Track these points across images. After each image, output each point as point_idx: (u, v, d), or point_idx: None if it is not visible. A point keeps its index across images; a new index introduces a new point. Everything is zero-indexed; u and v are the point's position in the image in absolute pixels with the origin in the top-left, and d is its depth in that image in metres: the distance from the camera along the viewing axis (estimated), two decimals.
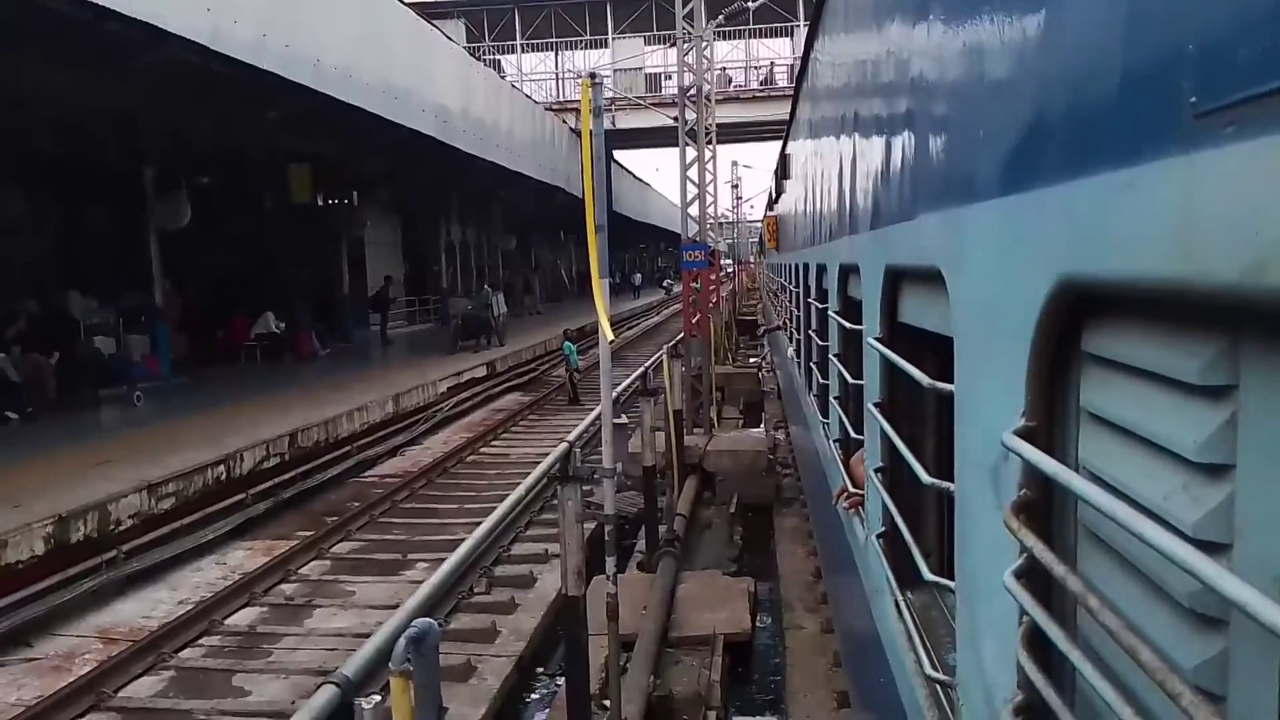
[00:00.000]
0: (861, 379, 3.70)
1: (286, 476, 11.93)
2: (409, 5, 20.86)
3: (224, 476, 10.99)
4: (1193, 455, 1.07)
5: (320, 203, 24.09)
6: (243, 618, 8.37)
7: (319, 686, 3.67)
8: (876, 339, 3.15)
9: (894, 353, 2.85)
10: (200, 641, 7.84)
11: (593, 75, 6.81)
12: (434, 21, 23.22)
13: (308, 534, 10.41)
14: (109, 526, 9.11)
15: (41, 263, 17.53)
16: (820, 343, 6.14)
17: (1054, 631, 1.27)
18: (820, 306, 6.30)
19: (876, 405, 3.17)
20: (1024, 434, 1.48)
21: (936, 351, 2.64)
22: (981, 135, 1.91)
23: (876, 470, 3.19)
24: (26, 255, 17.34)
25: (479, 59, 29.73)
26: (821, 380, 6.04)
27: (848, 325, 4.33)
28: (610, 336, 6.06)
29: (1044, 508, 1.47)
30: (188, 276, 19.47)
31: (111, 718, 6.62)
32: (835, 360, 4.83)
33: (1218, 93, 0.93)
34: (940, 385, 2.19)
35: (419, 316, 29.70)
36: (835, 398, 5.00)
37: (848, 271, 4.59)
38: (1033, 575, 1.39)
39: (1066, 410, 1.47)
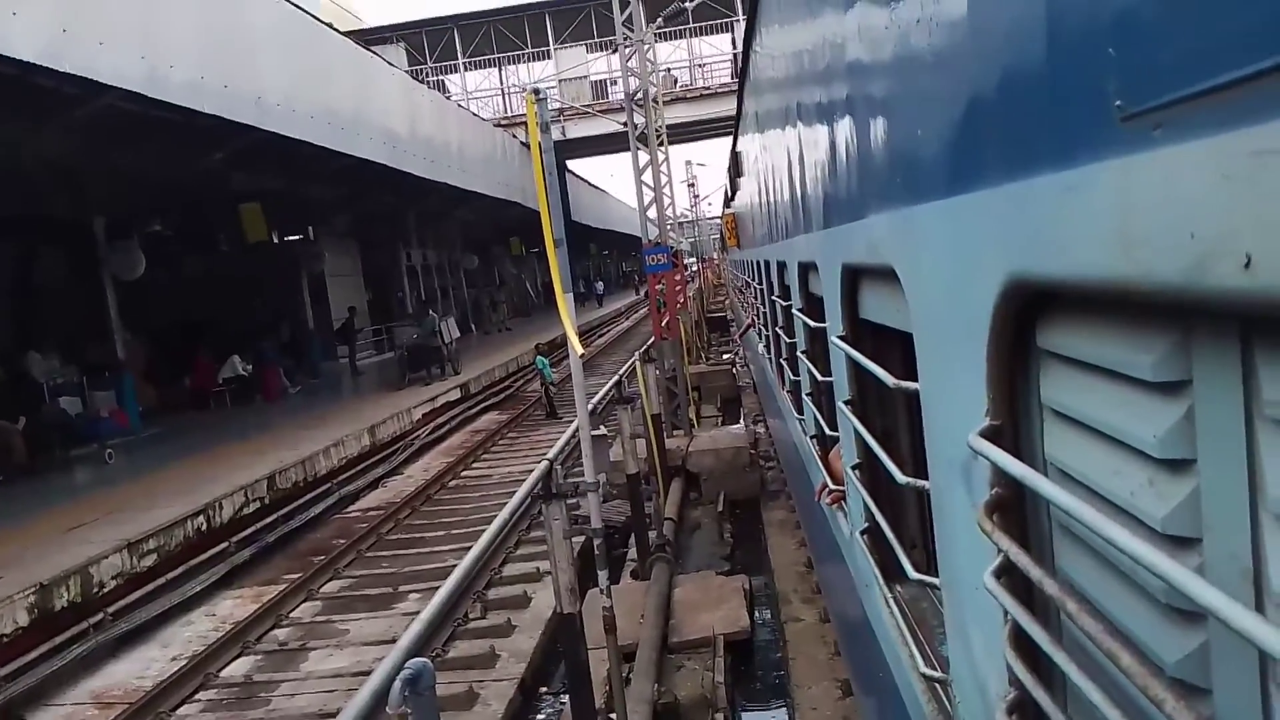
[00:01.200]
0: (830, 376, 3.71)
1: (268, 520, 11.79)
2: (347, 34, 20.75)
3: (204, 527, 10.85)
4: (1154, 451, 1.07)
5: (276, 239, 23.88)
6: (238, 668, 8.26)
7: None
8: (840, 337, 3.16)
9: (858, 351, 2.86)
10: (197, 697, 7.73)
11: (536, 90, 6.79)
12: (373, 48, 23.11)
13: (295, 576, 10.30)
14: (92, 590, 8.96)
15: None
16: (788, 340, 6.16)
17: (1037, 633, 1.28)
18: (784, 304, 6.32)
19: (847, 403, 3.18)
20: (989, 434, 1.49)
21: (901, 347, 2.65)
22: (925, 135, 1.92)
23: (854, 467, 3.20)
24: None
25: (423, 81, 29.62)
26: (793, 376, 6.06)
27: (811, 324, 4.34)
28: (580, 350, 6.04)
29: (1017, 507, 1.47)
30: (148, 325, 19.21)
31: None
32: (803, 358, 4.85)
33: (1141, 96, 0.94)
34: (905, 385, 2.20)
35: (387, 345, 29.48)
36: (807, 394, 5.01)
37: (806, 269, 4.61)
38: (1012, 575, 1.40)
39: (1029, 407, 1.48)
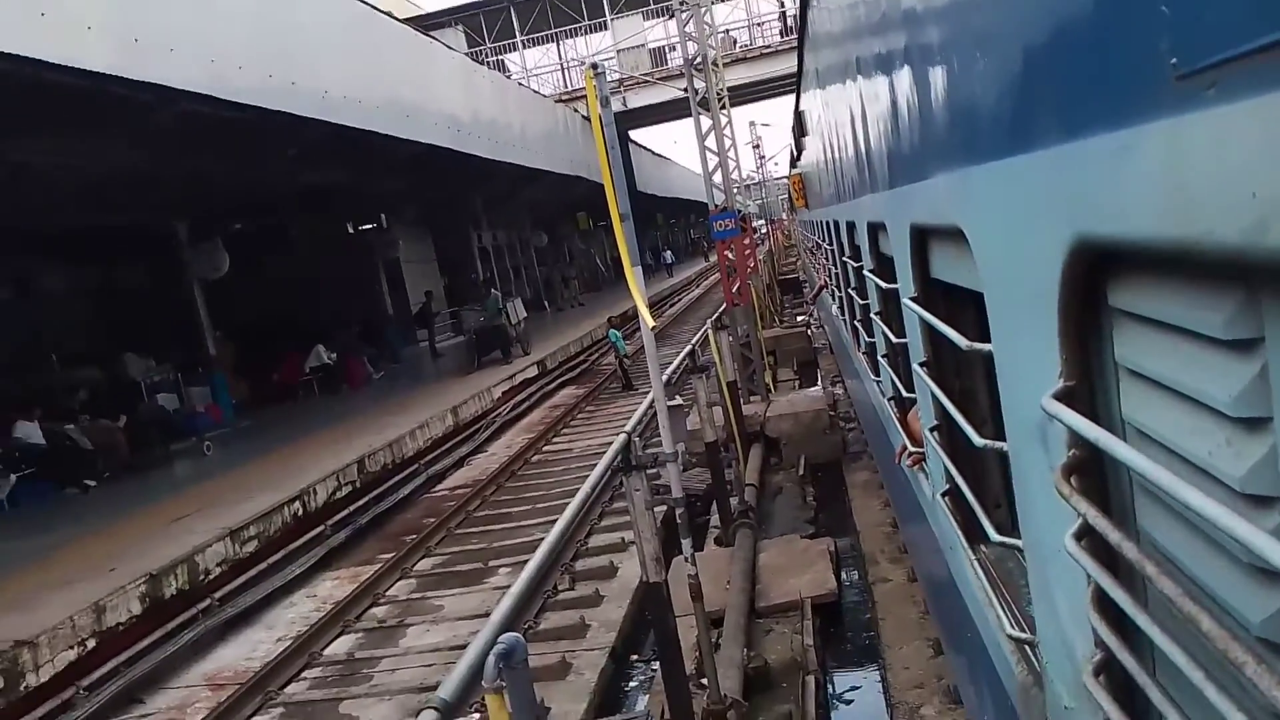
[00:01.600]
0: (904, 337, 3.67)
1: (361, 503, 12.18)
2: (405, 20, 20.98)
3: (300, 512, 11.26)
4: (1230, 410, 1.06)
5: (351, 230, 24.41)
6: (340, 646, 8.60)
7: (419, 710, 3.77)
8: (912, 299, 3.12)
9: (931, 312, 2.83)
10: (303, 675, 8.08)
11: (595, 65, 6.80)
12: (432, 33, 23.30)
13: (389, 556, 10.64)
14: (199, 577, 9.41)
15: (95, 330, 18.07)
16: (861, 301, 6.09)
17: (1120, 596, 1.27)
18: (855, 265, 6.24)
19: (922, 365, 3.15)
20: (1063, 395, 1.47)
21: (974, 307, 2.61)
22: (984, 93, 1.89)
23: (932, 429, 3.17)
24: (79, 324, 17.88)
25: (482, 62, 29.79)
26: (868, 338, 6.00)
27: (883, 285, 4.29)
28: (651, 322, 6.08)
29: (1094, 469, 1.46)
30: (235, 322, 19.91)
31: None
32: (877, 319, 4.80)
33: (1196, 55, 0.92)
34: (978, 346, 2.18)
35: (460, 328, 30.03)
36: (883, 356, 4.96)
37: (875, 229, 4.55)
38: (1092, 537, 1.39)
39: (1103, 368, 1.46)
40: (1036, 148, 1.52)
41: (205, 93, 11.12)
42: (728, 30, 32.71)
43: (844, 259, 7.56)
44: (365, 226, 24.78)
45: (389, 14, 18.84)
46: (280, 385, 20.65)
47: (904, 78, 2.90)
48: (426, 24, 29.69)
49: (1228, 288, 1.03)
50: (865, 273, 5.20)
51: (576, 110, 30.73)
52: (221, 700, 7.52)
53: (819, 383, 16.41)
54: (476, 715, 3.38)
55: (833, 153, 7.73)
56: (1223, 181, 0.90)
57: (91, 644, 8.04)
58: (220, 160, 14.70)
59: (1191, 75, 0.93)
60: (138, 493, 12.97)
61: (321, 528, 11.21)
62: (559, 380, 21.21)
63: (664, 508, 8.06)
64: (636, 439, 7.47)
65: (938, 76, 2.36)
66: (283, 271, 21.93)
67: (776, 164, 63.54)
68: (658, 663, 6.52)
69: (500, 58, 36.69)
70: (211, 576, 9.56)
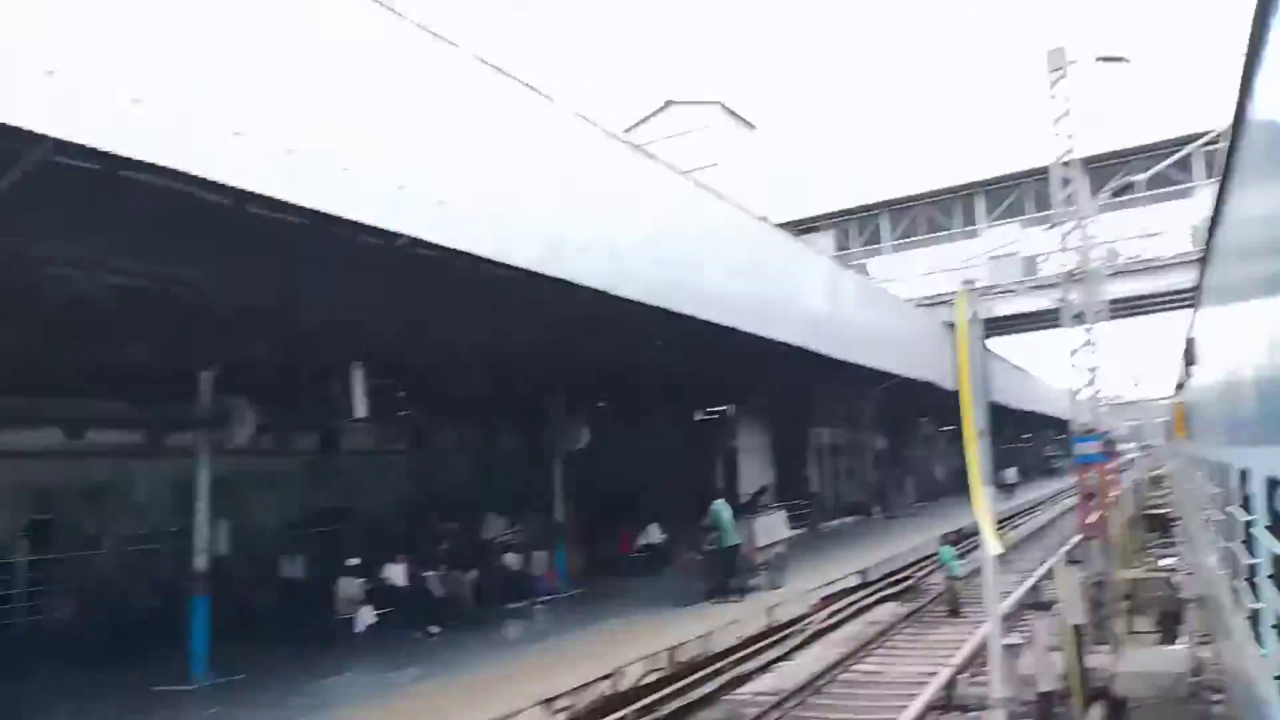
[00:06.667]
0: None
1: (666, 692, 12.07)
2: (781, 224, 22.28)
3: (608, 692, 11.43)
4: None
5: (697, 415, 25.53)
6: None
7: None
8: None
9: None
10: None
11: (967, 282, 6.70)
12: (804, 236, 24.40)
13: None
14: None
15: (468, 487, 20.27)
16: (1248, 559, 5.15)
17: None
18: (1245, 518, 5.33)
19: None
20: None
21: None
22: None
23: None
24: (457, 481, 20.14)
25: (848, 264, 30.63)
26: (1253, 603, 5.02)
27: (1277, 549, 3.58)
28: (998, 548, 5.63)
29: None
30: (582, 493, 21.27)
31: None
32: (1269, 583, 4.00)
33: None
34: None
35: (790, 522, 29.69)
36: (1272, 626, 4.10)
37: (1275, 484, 3.85)
38: None
39: None
40: None
41: (602, 289, 12.30)
42: (1112, 242, 30.94)
43: (1229, 508, 6.50)
44: (710, 412, 25.75)
45: (764, 219, 20.21)
46: (609, 559, 21.54)
47: None
48: (800, 228, 31.29)
49: None
50: (1259, 529, 4.40)
51: (936, 315, 30.33)
52: None
53: (1183, 640, 13.99)
54: None
55: (1229, 388, 6.81)
56: None
57: None
58: (599, 346, 16.12)
59: None
60: (473, 647, 13.88)
61: (624, 711, 11.17)
62: (879, 595, 19.99)
63: None
64: (962, 676, 6.74)
65: None
66: (630, 450, 23.25)
67: (1157, 385, 57.76)
68: None
69: (864, 261, 37.58)
70: None
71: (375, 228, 8.85)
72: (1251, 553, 5.19)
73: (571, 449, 19.39)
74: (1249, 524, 5.03)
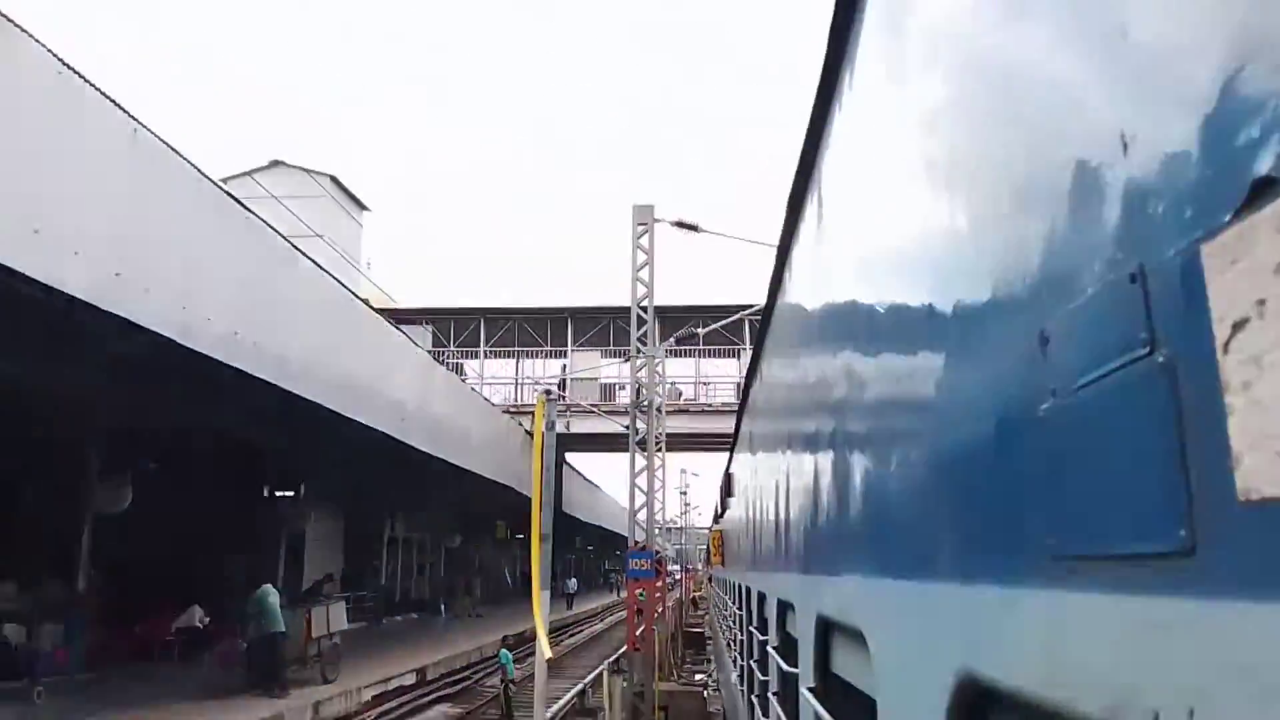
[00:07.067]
0: None
1: None
2: (380, 311, 22.07)
3: None
4: None
5: (266, 493, 23.82)
6: None
7: None
8: (810, 689, 3.12)
9: (825, 708, 2.82)
10: None
11: (549, 391, 7.17)
12: (402, 327, 24.39)
13: None
14: None
15: None
16: (761, 677, 6.00)
17: None
18: (761, 638, 6.23)
19: None
20: None
21: (869, 712, 2.62)
22: (895, 512, 2.06)
23: None
24: None
25: (442, 362, 30.97)
26: (762, 718, 5.84)
27: (785, 666, 4.28)
28: (548, 653, 5.93)
29: None
30: (117, 563, 18.69)
31: None
32: (774, 700, 4.72)
33: (1068, 543, 1.07)
34: None
35: (353, 615, 28.48)
36: None
37: (785, 607, 4.61)
38: None
39: None
40: (937, 579, 1.65)
41: (170, 336, 11.28)
42: (675, 383, 34.75)
43: (750, 628, 7.53)
44: (279, 493, 24.24)
45: (366, 301, 19.87)
46: (140, 640, 18.95)
47: (827, 472, 3.12)
48: (399, 317, 31.13)
49: None
50: (769, 648, 5.18)
51: (520, 424, 31.57)
52: None
53: None
54: None
55: (754, 521, 7.97)
56: (1086, 660, 1.00)
57: None
58: (160, 397, 14.61)
59: (1064, 559, 1.07)
60: None
61: None
62: (434, 695, 19.79)
63: None
64: None
65: (860, 478, 2.55)
66: (184, 521, 21.00)
67: (700, 513, 64.65)
68: None
69: (460, 361, 38.25)
70: None
71: None
72: (762, 672, 6.06)
73: (109, 510, 16.96)
74: (763, 644, 5.89)
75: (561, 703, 14.91)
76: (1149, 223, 0.85)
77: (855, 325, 2.55)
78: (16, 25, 8.64)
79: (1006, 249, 1.30)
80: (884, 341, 2.20)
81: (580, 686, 12.57)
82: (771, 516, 5.75)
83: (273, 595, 16.02)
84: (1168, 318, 0.82)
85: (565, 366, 36.05)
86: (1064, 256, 1.08)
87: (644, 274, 18.55)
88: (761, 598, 6.40)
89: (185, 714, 13.31)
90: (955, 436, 1.56)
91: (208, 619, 19.61)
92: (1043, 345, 1.10)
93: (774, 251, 4.79)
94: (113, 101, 10.06)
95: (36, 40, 8.89)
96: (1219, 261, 0.72)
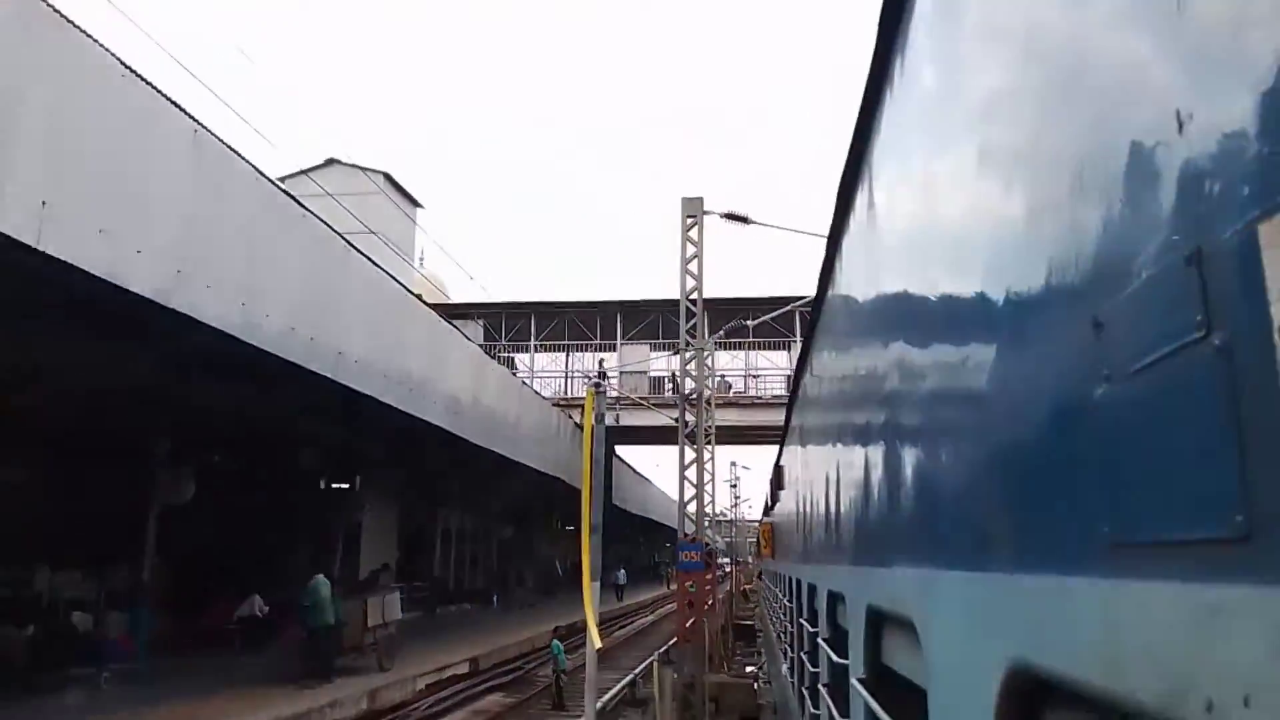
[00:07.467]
0: (848, 718, 3.59)
1: None
2: (433, 306, 22.36)
3: None
4: None
5: (323, 485, 24.29)
6: None
7: None
8: (860, 679, 3.11)
9: (877, 700, 2.81)
10: None
11: (598, 384, 7.20)
12: (455, 321, 24.68)
13: None
14: None
15: (24, 530, 17.41)
16: (811, 669, 5.98)
17: None
18: (811, 630, 6.20)
19: None
20: None
21: (919, 703, 2.61)
22: (945, 503, 2.04)
23: None
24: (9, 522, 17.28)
25: (494, 356, 31.29)
26: (813, 709, 5.82)
27: (835, 658, 4.26)
28: (598, 643, 5.97)
29: None
30: (181, 553, 19.21)
31: None
32: (824, 691, 4.70)
33: (1128, 531, 1.05)
34: None
35: (406, 605, 28.94)
36: None
37: (835, 599, 4.59)
38: None
39: None
40: (990, 568, 1.63)
41: (231, 333, 11.53)
42: (724, 375, 34.64)
43: (801, 620, 7.50)
44: (336, 485, 24.70)
45: (419, 296, 20.13)
46: (203, 628, 19.47)
47: (878, 463, 3.10)
48: (452, 312, 31.52)
49: None
50: (820, 640, 5.17)
51: (570, 417, 31.76)
52: None
53: None
54: None
55: (804, 513, 7.94)
56: (1139, 648, 0.99)
57: None
58: (223, 393, 14.97)
59: (1123, 546, 1.05)
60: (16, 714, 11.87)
61: None
62: (487, 684, 20.04)
63: None
64: None
65: (911, 468, 2.53)
66: (246, 513, 21.53)
67: (751, 506, 64.41)
68: None
69: (511, 355, 38.58)
70: None
71: None
72: (812, 664, 6.04)
73: (173, 501, 17.43)
74: (813, 635, 5.87)
75: (612, 693, 15.04)
76: (1205, 203, 0.83)
77: (906, 315, 2.53)
78: (82, 31, 8.91)
79: (1059, 233, 1.28)
80: (935, 331, 2.18)
81: (630, 677, 12.62)
82: (822, 508, 5.72)
83: (324, 587, 16.31)
84: (1224, 300, 0.80)
85: (601, 361, 36.16)
86: (1119, 240, 1.06)
87: (693, 266, 18.50)
88: (812, 589, 6.37)
89: (253, 699, 13.65)
90: (1008, 425, 1.54)
91: (267, 608, 20.07)
92: (1096, 331, 1.09)
93: (824, 243, 4.76)
94: (174, 104, 10.31)
95: (101, 45, 9.15)
96: (1277, 241, 0.71)
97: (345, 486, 24.72)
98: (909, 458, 2.50)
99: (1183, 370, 0.89)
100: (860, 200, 3.46)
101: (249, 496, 21.70)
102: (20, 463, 17.04)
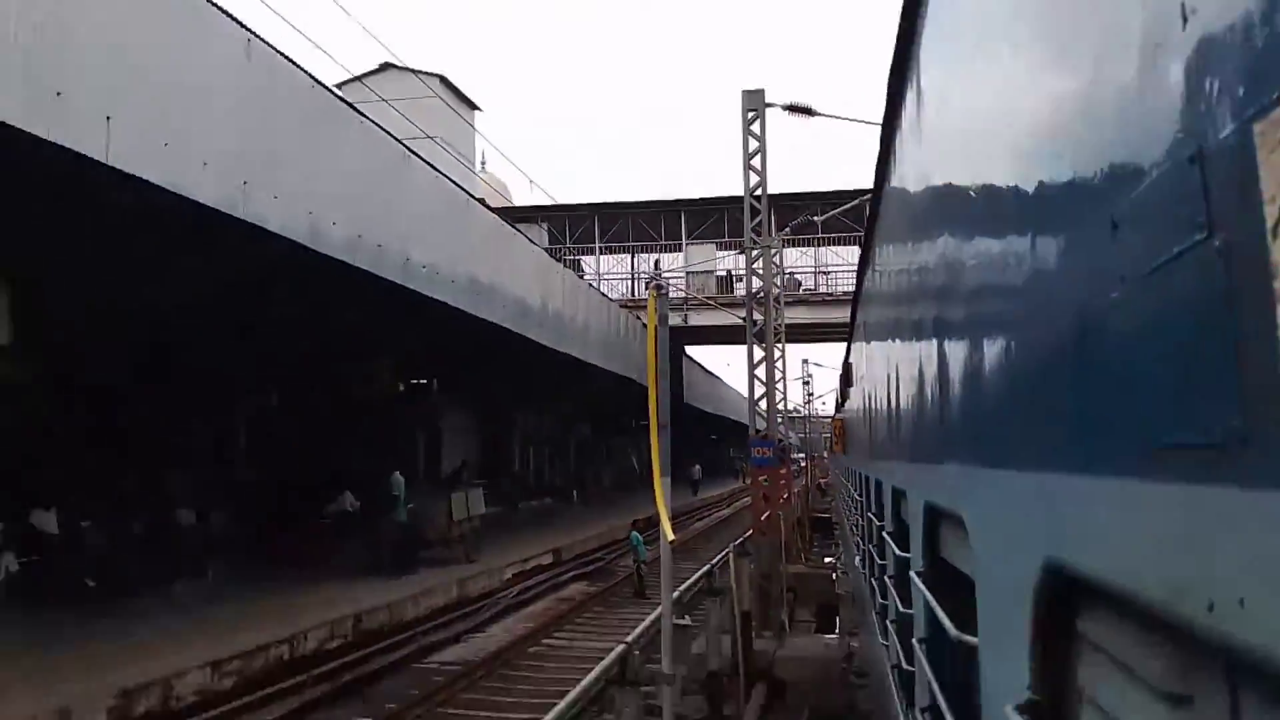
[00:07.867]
0: (911, 609, 3.67)
1: (349, 659, 11.88)
2: (496, 210, 22.40)
3: (286, 656, 11.03)
4: None
5: (402, 389, 25.00)
6: None
7: None
8: (919, 573, 3.16)
9: (933, 593, 2.86)
10: None
11: (659, 285, 7.21)
12: (519, 225, 24.72)
13: None
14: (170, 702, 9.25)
15: (139, 431, 18.35)
16: (879, 561, 6.08)
17: None
18: (878, 523, 6.27)
19: (920, 641, 3.14)
20: (1027, 708, 1.50)
21: (970, 594, 2.65)
22: (989, 403, 2.03)
23: (924, 709, 3.11)
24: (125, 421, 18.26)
25: (559, 259, 31.35)
26: (881, 600, 5.93)
27: (898, 552, 4.32)
28: (671, 536, 6.13)
29: None
30: (271, 455, 20.08)
31: None
32: (890, 583, 4.79)
33: (1139, 433, 1.04)
34: (965, 638, 2.21)
35: (489, 500, 29.98)
36: (891, 621, 4.91)
37: (899, 495, 4.62)
38: None
39: (1067, 692, 1.49)
40: (1028, 467, 1.63)
41: (300, 241, 11.73)
42: (793, 273, 34.12)
43: (869, 513, 7.58)
44: (415, 384, 25.33)
45: (482, 200, 20.17)
46: (298, 524, 20.49)
47: (931, 360, 3.08)
48: (516, 216, 31.52)
49: (1173, 646, 1.10)
50: (885, 534, 5.23)
51: (639, 317, 31.85)
52: None
53: (838, 631, 15.90)
54: None
55: (869, 410, 7.93)
56: (1147, 549, 0.99)
57: None
58: (294, 302, 15.26)
59: (1129, 448, 1.04)
60: (139, 605, 12.88)
61: (304, 677, 10.89)
62: (571, 574, 20.83)
63: None
64: (637, 652, 7.27)
65: (957, 367, 2.51)
66: (332, 415, 22.24)
67: (824, 402, 64.29)
68: None
69: (577, 258, 38.57)
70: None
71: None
72: (880, 556, 6.13)
73: (261, 406, 18.19)
74: (880, 529, 5.94)
75: (689, 582, 15.47)
76: (1207, 101, 0.80)
77: (952, 210, 2.47)
78: None
79: (1083, 130, 1.23)
80: (981, 228, 2.13)
81: (707, 568, 12.94)
82: (884, 406, 5.71)
83: (398, 485, 17.06)
84: (1224, 200, 0.78)
85: (657, 262, 35.76)
86: (1133, 138, 1.02)
87: (756, 162, 18.09)
88: (878, 485, 6.42)
89: (350, 587, 14.52)
90: (1039, 325, 1.52)
91: (358, 503, 21.01)
92: (1113, 231, 1.06)
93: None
94: (227, 14, 10.30)
95: None
96: (1270, 140, 0.68)
97: (420, 384, 25.32)
98: (954, 355, 2.48)
99: (1190, 272, 0.87)
100: (909, 94, 3.35)
101: (334, 401, 22.42)
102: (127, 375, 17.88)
